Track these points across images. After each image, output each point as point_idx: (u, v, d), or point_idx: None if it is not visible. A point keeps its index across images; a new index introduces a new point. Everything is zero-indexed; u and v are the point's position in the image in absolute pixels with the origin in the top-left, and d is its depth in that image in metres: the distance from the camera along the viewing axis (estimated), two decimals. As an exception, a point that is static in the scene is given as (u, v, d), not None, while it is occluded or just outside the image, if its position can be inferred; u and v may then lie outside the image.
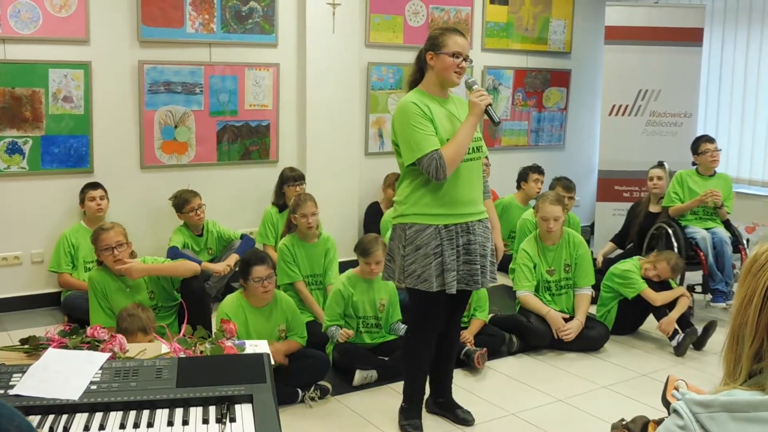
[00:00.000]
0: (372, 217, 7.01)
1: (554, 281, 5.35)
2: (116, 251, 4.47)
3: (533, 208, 5.70)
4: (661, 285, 5.41)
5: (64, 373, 2.24)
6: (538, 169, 7.13)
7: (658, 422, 2.16)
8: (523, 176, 7.16)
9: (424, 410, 4.18)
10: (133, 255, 4.64)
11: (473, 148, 3.75)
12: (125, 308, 3.98)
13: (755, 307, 1.60)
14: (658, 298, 5.33)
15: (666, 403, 2.23)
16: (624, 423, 2.23)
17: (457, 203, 3.72)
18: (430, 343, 3.93)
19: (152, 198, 6.22)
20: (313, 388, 4.35)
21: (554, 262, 5.35)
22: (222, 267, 5.72)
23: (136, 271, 4.52)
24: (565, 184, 6.70)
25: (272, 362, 2.41)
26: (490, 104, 3.71)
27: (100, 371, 2.24)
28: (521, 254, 5.38)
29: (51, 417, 2.08)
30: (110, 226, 4.59)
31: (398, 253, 3.77)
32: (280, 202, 6.28)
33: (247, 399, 2.13)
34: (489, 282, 3.87)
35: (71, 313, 5.40)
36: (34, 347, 2.57)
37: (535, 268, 5.32)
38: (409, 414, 4.03)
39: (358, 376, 4.56)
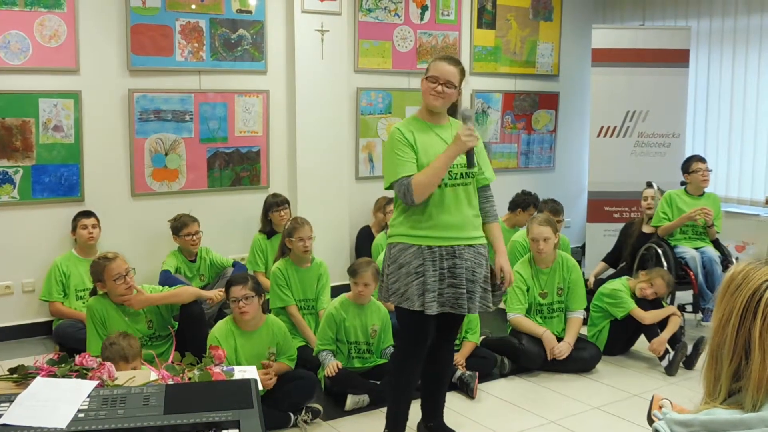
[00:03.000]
0: (363, 241, 7.02)
1: (546, 304, 5.35)
2: (127, 278, 4.55)
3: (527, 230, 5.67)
4: (652, 304, 5.42)
5: (52, 401, 2.24)
6: (554, 209, 6.76)
7: (644, 441, 2.17)
8: (524, 205, 7.04)
9: (416, 434, 4.19)
10: None
11: (461, 174, 3.77)
12: (108, 337, 3.97)
13: (732, 327, 1.62)
14: (648, 316, 5.34)
15: (651, 423, 2.24)
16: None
17: (440, 227, 3.73)
18: (416, 366, 3.92)
19: (143, 225, 6.22)
20: (304, 411, 4.35)
21: (547, 285, 5.35)
22: (214, 294, 5.72)
23: (138, 303, 4.58)
24: (552, 207, 6.70)
25: (260, 387, 2.42)
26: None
27: (88, 399, 2.24)
28: (514, 276, 5.36)
29: (38, 446, 2.08)
30: (113, 256, 4.62)
31: (385, 272, 3.84)
32: (267, 228, 6.30)
33: (234, 425, 2.13)
34: (479, 308, 3.85)
35: (63, 342, 5.39)
36: (22, 376, 2.57)
37: (528, 291, 5.33)
38: None
39: (350, 400, 4.56)
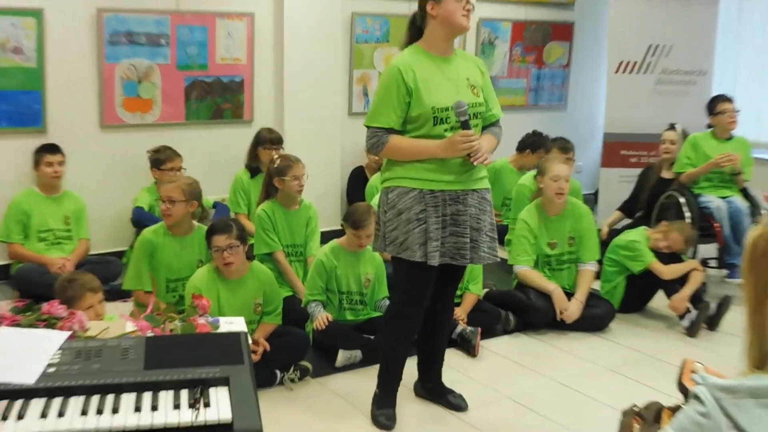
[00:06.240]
0: (356, 182, 6.99)
1: (555, 255, 5.32)
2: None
3: (537, 172, 5.61)
4: (671, 258, 5.42)
5: (18, 354, 2.21)
6: (564, 147, 6.67)
7: (674, 409, 2.15)
8: (534, 146, 7.01)
9: (412, 394, 4.20)
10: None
11: (470, 114, 3.70)
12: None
13: None
14: (667, 270, 5.34)
15: (683, 389, 2.23)
16: (637, 410, 2.23)
17: (444, 170, 3.67)
18: (413, 322, 3.91)
19: (113, 160, 6.17)
20: (292, 369, 4.35)
21: (557, 234, 5.32)
22: None
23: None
24: (561, 145, 6.65)
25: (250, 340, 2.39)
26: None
27: (59, 352, 2.22)
28: (520, 225, 5.35)
29: (4, 403, 2.05)
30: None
31: (382, 219, 3.78)
32: (254, 164, 6.25)
33: (223, 382, 2.12)
34: (484, 259, 3.81)
35: (24, 288, 5.35)
36: (-17, 326, 2.54)
37: (536, 240, 5.30)
38: (382, 402, 4.00)
39: (341, 356, 4.56)
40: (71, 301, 3.60)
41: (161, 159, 5.97)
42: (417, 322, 3.91)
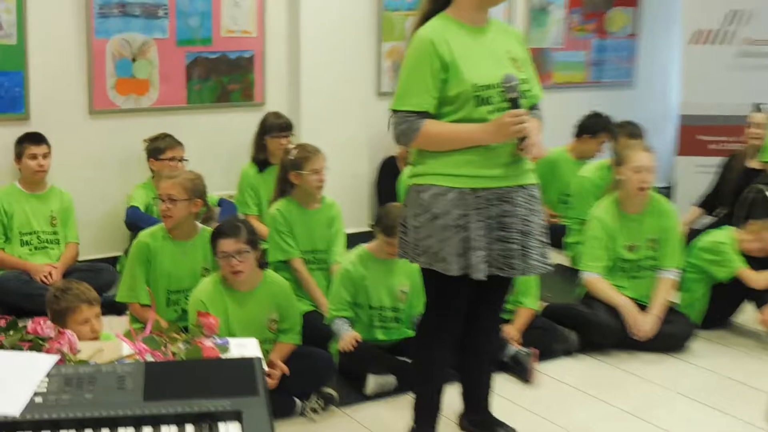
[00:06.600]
0: (387, 175, 6.99)
1: (634, 260, 5.30)
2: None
3: (612, 162, 5.57)
4: (761, 263, 5.39)
5: (1, 381, 2.23)
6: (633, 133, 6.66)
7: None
8: (593, 130, 7.01)
9: (456, 428, 4.19)
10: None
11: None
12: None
13: None
14: (759, 278, 5.31)
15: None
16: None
17: (490, 163, 3.62)
18: (446, 343, 3.89)
19: (104, 151, 6.24)
20: (314, 397, 4.37)
21: (636, 235, 5.29)
22: None
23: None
24: (630, 131, 6.63)
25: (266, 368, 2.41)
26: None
27: (47, 379, 2.23)
28: (594, 224, 5.32)
29: (-16, 438, 2.08)
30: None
31: (411, 224, 3.72)
32: (261, 156, 6.28)
33: (235, 416, 2.12)
34: (535, 269, 3.75)
35: (4, 299, 5.40)
36: (-42, 347, 2.57)
37: (611, 242, 5.26)
38: None
39: (372, 382, 4.56)
40: (64, 314, 3.64)
41: (161, 148, 6.01)
42: (453, 337, 3.88)
